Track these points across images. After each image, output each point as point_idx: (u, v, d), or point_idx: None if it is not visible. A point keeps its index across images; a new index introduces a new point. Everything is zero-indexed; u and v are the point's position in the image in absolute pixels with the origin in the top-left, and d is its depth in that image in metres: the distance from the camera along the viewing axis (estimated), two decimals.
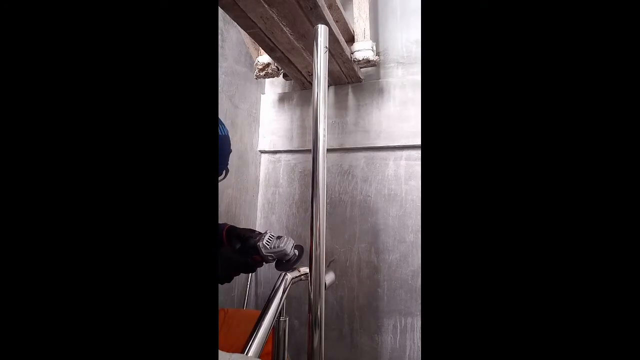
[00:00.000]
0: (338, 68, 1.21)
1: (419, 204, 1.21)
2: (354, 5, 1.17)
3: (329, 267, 1.10)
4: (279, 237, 0.76)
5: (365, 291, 1.26)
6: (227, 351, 0.46)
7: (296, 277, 0.69)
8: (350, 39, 1.19)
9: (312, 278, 0.52)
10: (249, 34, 0.97)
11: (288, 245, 0.75)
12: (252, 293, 1.40)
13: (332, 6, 1.08)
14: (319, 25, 0.55)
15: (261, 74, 1.28)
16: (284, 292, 0.65)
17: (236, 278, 0.76)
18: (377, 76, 1.33)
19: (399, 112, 1.26)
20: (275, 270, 0.76)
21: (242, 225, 1.33)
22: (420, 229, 1.14)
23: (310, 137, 1.28)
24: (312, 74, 1.22)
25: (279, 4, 0.84)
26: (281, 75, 1.32)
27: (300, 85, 1.40)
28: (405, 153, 1.26)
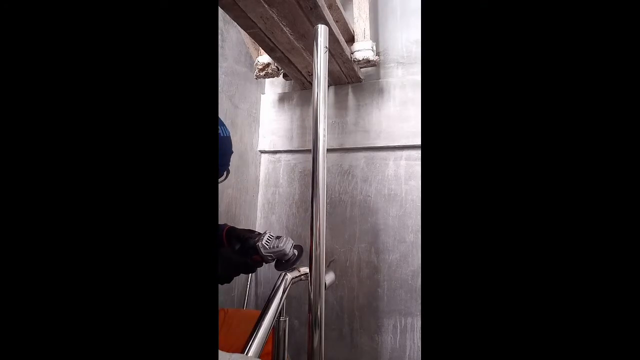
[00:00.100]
0: (338, 68, 1.21)
1: (419, 204, 1.21)
2: (354, 5, 1.17)
3: (329, 267, 1.10)
4: (278, 238, 0.76)
5: (365, 291, 1.26)
6: (227, 351, 0.46)
7: (296, 277, 0.69)
8: (350, 39, 1.19)
9: (312, 278, 0.52)
10: (249, 34, 0.97)
11: (287, 246, 0.75)
12: (252, 293, 1.40)
13: (332, 6, 1.08)
14: (319, 25, 0.55)
15: (261, 74, 1.28)
16: (284, 292, 0.65)
17: (236, 278, 0.76)
18: (377, 76, 1.34)
19: (399, 112, 1.26)
20: (275, 270, 0.76)
21: (242, 225, 1.33)
22: (420, 229, 1.14)
23: (310, 137, 1.28)
24: (312, 74, 1.22)
25: (279, 4, 0.84)
26: (281, 75, 1.32)
27: (300, 85, 1.40)
28: (405, 153, 1.26)
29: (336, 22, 1.07)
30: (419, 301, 1.19)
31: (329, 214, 1.34)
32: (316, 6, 0.85)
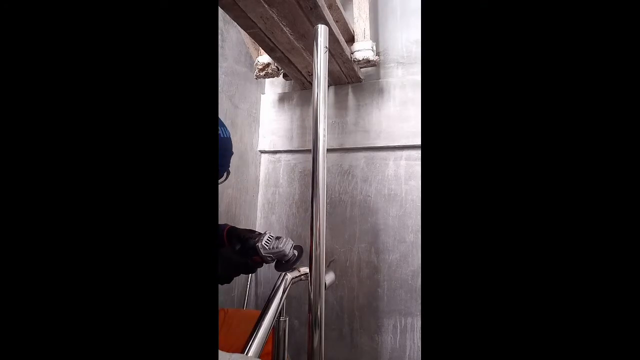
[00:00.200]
0: (338, 68, 1.21)
1: (419, 204, 1.21)
2: (354, 5, 1.17)
3: (329, 267, 1.10)
4: (277, 238, 0.76)
5: (365, 291, 1.26)
6: (227, 351, 0.46)
7: (296, 277, 0.69)
8: (350, 39, 1.19)
9: (312, 278, 0.52)
10: (249, 34, 0.97)
11: (287, 246, 0.75)
12: (252, 293, 1.40)
13: (332, 6, 1.08)
14: (319, 25, 0.55)
15: (261, 74, 1.28)
16: (284, 292, 0.65)
17: (236, 278, 0.76)
18: (377, 76, 1.33)
19: (399, 112, 1.26)
20: (275, 270, 0.76)
21: (242, 225, 1.33)
22: (420, 229, 1.14)
23: (310, 137, 1.28)
24: (312, 74, 1.22)
25: (279, 4, 0.84)
26: (281, 75, 1.32)
27: (300, 85, 1.40)
28: (405, 153, 1.26)
29: (336, 22, 1.07)
30: (419, 301, 1.19)
31: (329, 214, 1.34)
32: (316, 6, 0.85)
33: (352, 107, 1.34)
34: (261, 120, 1.48)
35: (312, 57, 0.77)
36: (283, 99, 1.47)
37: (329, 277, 0.77)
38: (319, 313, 0.51)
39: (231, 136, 0.77)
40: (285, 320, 0.71)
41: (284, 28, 0.94)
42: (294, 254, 0.77)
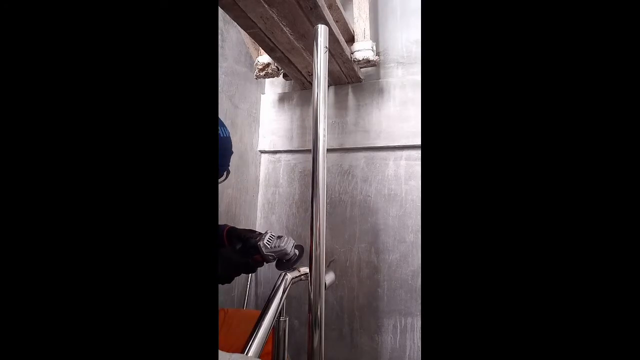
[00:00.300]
0: (338, 68, 1.21)
1: (419, 204, 1.21)
2: (354, 5, 1.17)
3: (329, 267, 1.10)
4: (279, 237, 0.76)
5: (365, 291, 1.26)
6: (227, 351, 0.46)
7: (296, 277, 0.69)
8: (350, 39, 1.19)
9: (312, 278, 0.52)
10: (249, 34, 0.97)
11: (289, 245, 0.75)
12: (252, 293, 1.40)
13: (332, 6, 1.08)
14: (319, 25, 0.55)
15: (261, 74, 1.28)
16: (284, 292, 0.65)
17: (236, 278, 0.77)
18: (377, 76, 1.34)
19: (399, 112, 1.26)
20: (276, 270, 0.76)
21: (242, 225, 1.33)
22: (420, 229, 1.14)
23: (310, 137, 1.28)
24: (312, 74, 1.22)
25: (279, 4, 0.84)
26: (281, 75, 1.32)
27: (300, 85, 1.40)
28: (405, 153, 1.26)
29: (336, 22, 1.07)
30: (419, 301, 1.19)
31: (329, 214, 1.34)
32: (316, 6, 0.85)
33: (352, 107, 1.34)
34: (261, 120, 1.48)
35: (312, 57, 0.77)
36: (283, 99, 1.47)
37: (329, 277, 0.77)
38: (319, 313, 0.51)
39: (231, 136, 0.77)
40: (285, 320, 0.71)
41: (284, 28, 0.94)
42: (295, 253, 0.77)
